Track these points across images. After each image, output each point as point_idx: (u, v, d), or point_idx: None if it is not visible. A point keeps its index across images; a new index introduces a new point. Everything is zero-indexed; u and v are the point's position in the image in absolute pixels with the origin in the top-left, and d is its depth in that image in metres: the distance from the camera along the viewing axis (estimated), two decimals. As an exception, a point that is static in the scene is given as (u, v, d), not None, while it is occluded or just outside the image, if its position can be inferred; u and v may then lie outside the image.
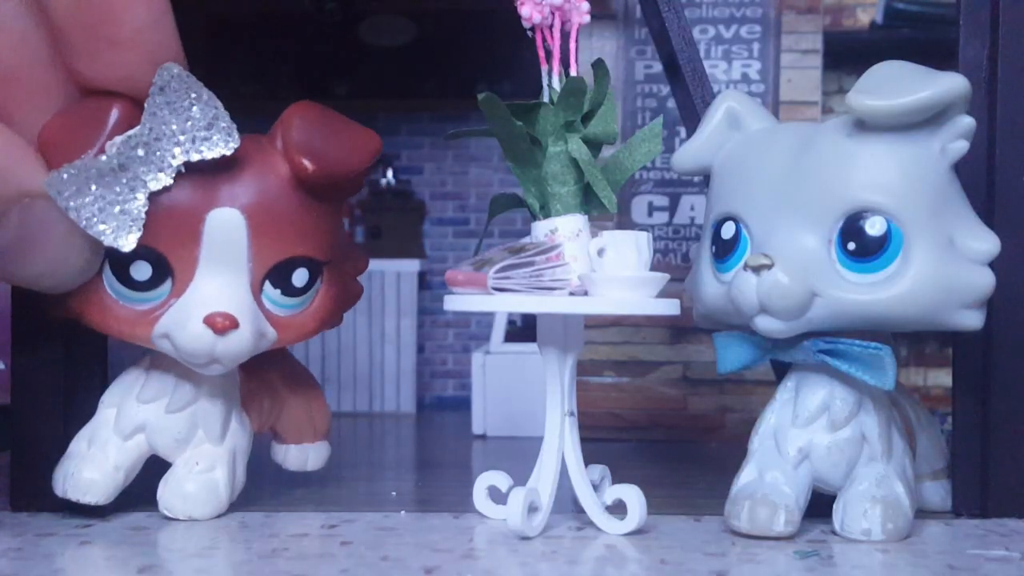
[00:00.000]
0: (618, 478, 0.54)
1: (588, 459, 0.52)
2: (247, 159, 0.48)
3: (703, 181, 0.56)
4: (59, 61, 0.44)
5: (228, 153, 0.46)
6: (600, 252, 0.49)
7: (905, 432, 0.52)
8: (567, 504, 0.54)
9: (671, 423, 0.87)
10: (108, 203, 0.45)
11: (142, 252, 0.46)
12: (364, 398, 1.26)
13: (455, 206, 1.71)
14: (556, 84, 0.51)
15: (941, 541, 0.48)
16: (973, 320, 0.47)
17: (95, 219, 0.44)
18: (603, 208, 0.51)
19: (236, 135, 0.46)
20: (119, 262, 0.47)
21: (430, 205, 1.70)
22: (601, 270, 0.49)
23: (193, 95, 0.45)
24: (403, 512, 0.54)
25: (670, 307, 0.49)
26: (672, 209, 0.88)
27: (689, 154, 0.54)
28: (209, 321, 0.46)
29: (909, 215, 0.45)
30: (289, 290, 0.50)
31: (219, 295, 0.47)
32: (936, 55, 0.61)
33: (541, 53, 0.51)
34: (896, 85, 0.45)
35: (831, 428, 0.49)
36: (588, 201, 0.52)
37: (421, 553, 0.45)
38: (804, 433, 0.49)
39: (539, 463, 0.51)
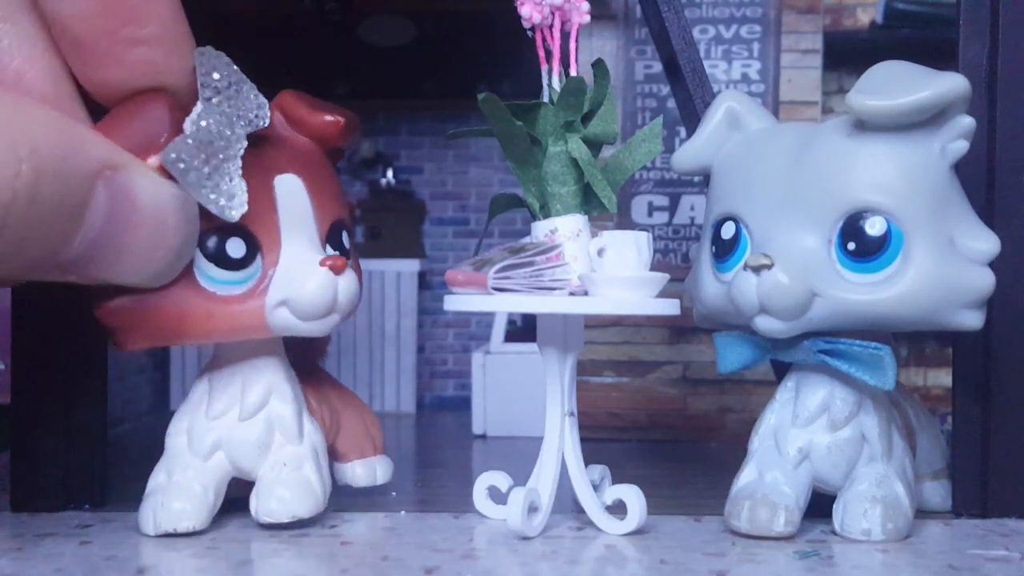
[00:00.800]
0: (618, 478, 0.54)
1: (588, 459, 0.52)
2: (274, 136, 0.50)
3: (703, 181, 0.56)
4: (67, 104, 0.43)
5: (268, 122, 0.48)
6: (600, 252, 0.49)
7: (905, 432, 0.52)
8: (567, 504, 0.54)
9: (671, 423, 0.87)
10: (216, 173, 0.45)
11: (232, 229, 0.46)
12: (364, 398, 1.26)
13: (455, 206, 1.71)
14: (556, 84, 0.51)
15: (941, 541, 0.48)
16: (973, 320, 0.47)
17: (209, 190, 0.44)
18: (603, 208, 0.51)
19: (268, 104, 0.48)
20: (214, 247, 0.47)
21: (430, 205, 1.70)
22: (601, 270, 0.49)
23: (236, 70, 0.46)
24: (403, 512, 0.54)
25: (670, 307, 0.49)
26: (672, 209, 0.88)
27: (689, 154, 0.54)
28: (326, 263, 0.48)
29: (909, 215, 0.45)
30: (343, 252, 0.52)
31: (311, 252, 0.49)
32: (936, 55, 0.61)
33: (541, 53, 0.51)
34: (896, 85, 0.45)
35: (831, 428, 0.49)
36: (588, 201, 0.52)
37: (421, 553, 0.45)
38: (804, 433, 0.49)
39: (539, 463, 0.51)
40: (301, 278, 0.47)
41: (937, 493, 0.56)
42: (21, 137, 0.36)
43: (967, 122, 0.46)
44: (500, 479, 0.55)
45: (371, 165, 1.67)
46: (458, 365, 1.66)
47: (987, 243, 0.46)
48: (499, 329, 1.00)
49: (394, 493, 0.61)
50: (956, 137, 0.46)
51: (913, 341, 1.26)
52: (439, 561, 0.43)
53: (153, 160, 0.43)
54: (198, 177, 0.44)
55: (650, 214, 0.89)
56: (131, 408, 1.02)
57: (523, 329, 1.06)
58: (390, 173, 1.66)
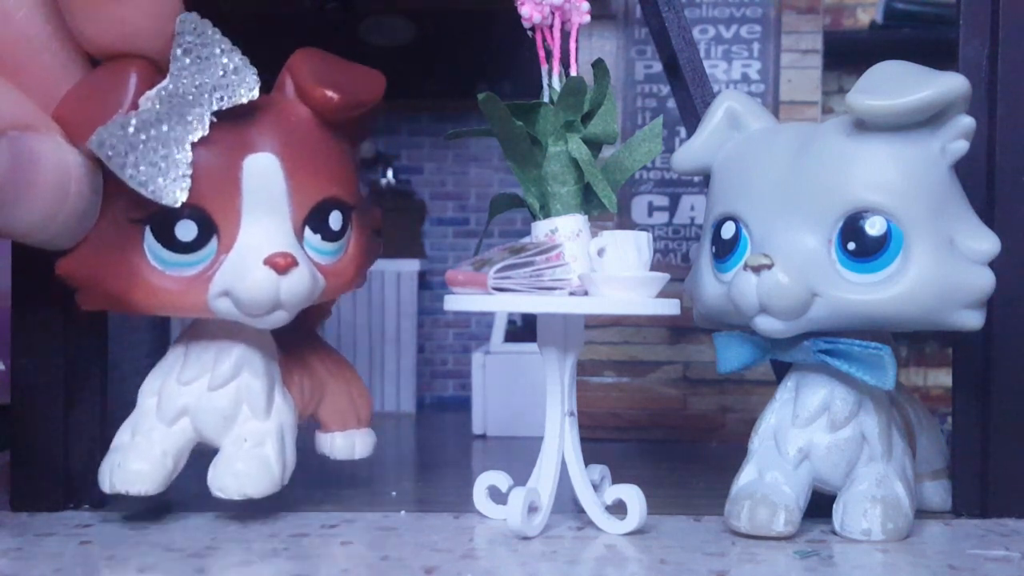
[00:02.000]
0: (618, 478, 0.54)
1: (588, 459, 0.52)
2: (266, 107, 0.48)
3: (703, 181, 0.56)
4: (61, 42, 0.43)
5: (255, 97, 0.46)
6: (600, 252, 0.49)
7: (905, 432, 0.52)
8: (567, 504, 0.54)
9: (671, 423, 0.87)
10: (155, 159, 0.44)
11: (185, 211, 0.45)
12: (364, 398, 1.26)
13: (455, 206, 1.71)
14: (556, 84, 0.51)
15: (941, 541, 0.48)
16: (973, 320, 0.47)
17: (144, 176, 0.43)
18: (603, 208, 0.51)
19: (257, 78, 0.46)
20: (162, 226, 0.46)
21: (430, 205, 1.70)
22: (601, 270, 0.49)
23: (219, 40, 0.45)
24: (403, 512, 0.54)
25: (670, 307, 0.49)
26: (672, 209, 0.88)
27: (689, 154, 0.54)
28: (270, 262, 0.46)
29: (909, 215, 0.45)
30: (328, 234, 0.50)
31: (270, 240, 0.47)
32: (936, 55, 0.61)
33: (541, 53, 0.51)
34: (896, 85, 0.45)
35: (831, 428, 0.49)
36: (588, 201, 0.52)
37: (421, 553, 0.45)
38: (804, 433, 0.49)
39: (539, 463, 0.51)
40: (243, 272, 0.46)
41: (937, 493, 0.56)
42: None
43: (967, 122, 0.46)
44: (500, 479, 0.55)
45: (371, 165, 1.68)
46: (458, 365, 1.66)
47: (987, 243, 0.46)
48: (499, 329, 1.00)
49: (394, 493, 0.61)
50: (956, 137, 0.46)
51: (913, 341, 1.26)
52: (439, 561, 0.43)
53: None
54: (125, 164, 0.43)
55: (650, 214, 0.89)
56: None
57: (523, 329, 1.06)
58: (390, 173, 1.67)
